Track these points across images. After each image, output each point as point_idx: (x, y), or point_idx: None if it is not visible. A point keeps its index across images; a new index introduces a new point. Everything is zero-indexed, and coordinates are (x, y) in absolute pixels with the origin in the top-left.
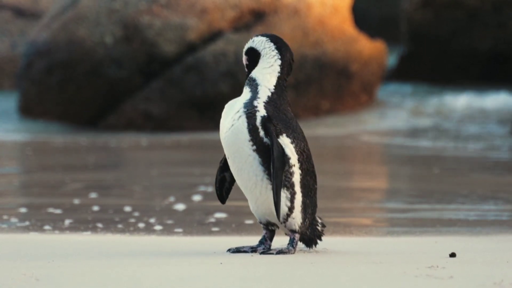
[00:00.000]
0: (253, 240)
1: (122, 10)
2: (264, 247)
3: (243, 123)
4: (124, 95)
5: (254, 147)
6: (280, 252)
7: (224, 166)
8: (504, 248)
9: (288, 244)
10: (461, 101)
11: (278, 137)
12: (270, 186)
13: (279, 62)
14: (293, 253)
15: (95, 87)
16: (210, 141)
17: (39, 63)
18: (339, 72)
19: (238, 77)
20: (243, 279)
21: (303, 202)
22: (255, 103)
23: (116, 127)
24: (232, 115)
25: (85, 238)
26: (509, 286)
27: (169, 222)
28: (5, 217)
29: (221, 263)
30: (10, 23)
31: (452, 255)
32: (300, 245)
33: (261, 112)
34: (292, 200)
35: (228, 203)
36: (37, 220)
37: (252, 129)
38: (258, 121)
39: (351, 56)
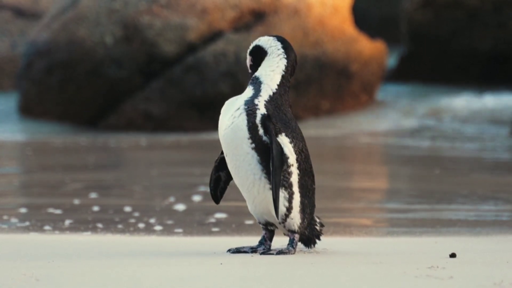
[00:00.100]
0: (253, 240)
1: (122, 10)
2: (264, 248)
3: (243, 120)
4: (124, 95)
5: (253, 145)
6: (280, 252)
7: (219, 166)
8: (504, 249)
9: (288, 244)
10: (461, 101)
11: (277, 136)
12: (268, 185)
13: (284, 61)
14: (293, 253)
15: (95, 87)
16: (210, 141)
17: (39, 63)
18: (339, 72)
19: (238, 77)
20: (243, 279)
21: (302, 203)
22: (256, 101)
23: (116, 127)
24: (232, 112)
25: (85, 238)
26: (509, 287)
27: (169, 222)
28: (5, 217)
29: (221, 263)
30: (10, 23)
31: (452, 255)
32: (299, 245)
33: (262, 110)
34: (290, 200)
35: (228, 203)
36: (37, 220)
37: (252, 127)
38: (258, 119)
39: (351, 56)
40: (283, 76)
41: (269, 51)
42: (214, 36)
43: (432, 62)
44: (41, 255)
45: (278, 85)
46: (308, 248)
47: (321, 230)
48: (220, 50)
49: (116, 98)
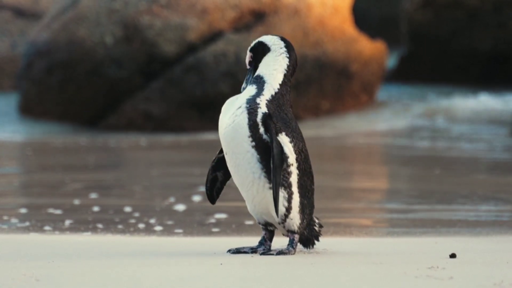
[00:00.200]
0: (253, 240)
1: (122, 10)
2: (264, 248)
3: (244, 118)
4: (124, 95)
5: (253, 143)
6: (280, 252)
7: (216, 166)
8: (504, 249)
9: (288, 244)
10: (461, 101)
11: (277, 135)
12: (267, 185)
13: (286, 60)
14: (293, 253)
15: (95, 87)
16: (210, 141)
17: (39, 63)
18: (339, 72)
19: (238, 77)
20: (243, 279)
21: (301, 203)
22: (258, 100)
23: (116, 127)
24: (234, 111)
25: (85, 238)
26: (509, 287)
27: (169, 222)
28: (5, 217)
29: (221, 264)
30: (10, 23)
31: (452, 255)
32: (298, 245)
33: (263, 109)
34: (289, 200)
35: (228, 203)
36: (37, 220)
37: (253, 125)
38: (259, 118)
39: (351, 56)
40: (285, 75)
41: (272, 48)
42: (214, 36)
43: (432, 62)
44: (41, 255)
45: (280, 85)
46: (307, 248)
47: (320, 230)
48: (220, 50)
49: (116, 98)
